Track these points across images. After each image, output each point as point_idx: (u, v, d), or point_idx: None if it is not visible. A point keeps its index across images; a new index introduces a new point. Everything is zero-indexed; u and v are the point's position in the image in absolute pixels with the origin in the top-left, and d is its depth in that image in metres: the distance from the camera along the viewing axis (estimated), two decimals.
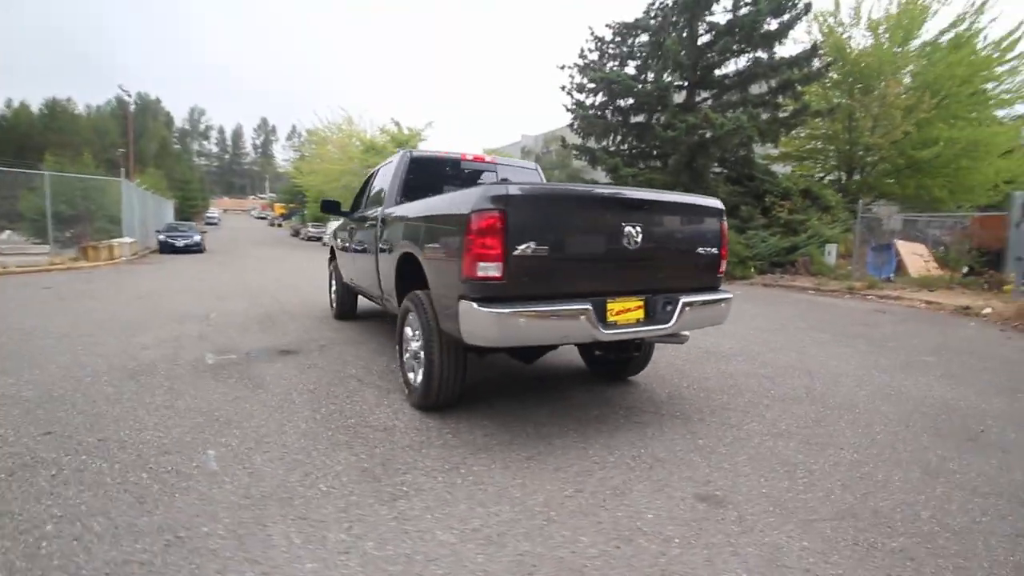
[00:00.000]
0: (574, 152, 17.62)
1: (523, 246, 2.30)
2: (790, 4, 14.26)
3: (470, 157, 4.32)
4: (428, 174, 4.06)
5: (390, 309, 3.94)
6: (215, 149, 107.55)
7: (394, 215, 3.56)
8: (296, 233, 42.19)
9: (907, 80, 14.91)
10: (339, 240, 5.62)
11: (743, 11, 14.79)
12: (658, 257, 2.72)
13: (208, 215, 48.15)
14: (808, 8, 14.15)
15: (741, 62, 15.86)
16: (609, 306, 2.52)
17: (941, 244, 12.59)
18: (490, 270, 2.27)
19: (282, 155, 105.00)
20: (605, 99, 17.29)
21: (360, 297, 5.85)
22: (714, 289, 3.03)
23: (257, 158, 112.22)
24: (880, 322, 6.91)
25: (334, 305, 6.15)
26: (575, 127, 17.20)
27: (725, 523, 1.98)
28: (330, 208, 5.51)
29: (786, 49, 15.14)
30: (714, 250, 2.93)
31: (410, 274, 3.35)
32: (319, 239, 34.33)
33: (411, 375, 3.18)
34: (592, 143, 17.32)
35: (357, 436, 2.68)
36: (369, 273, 4.24)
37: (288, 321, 5.88)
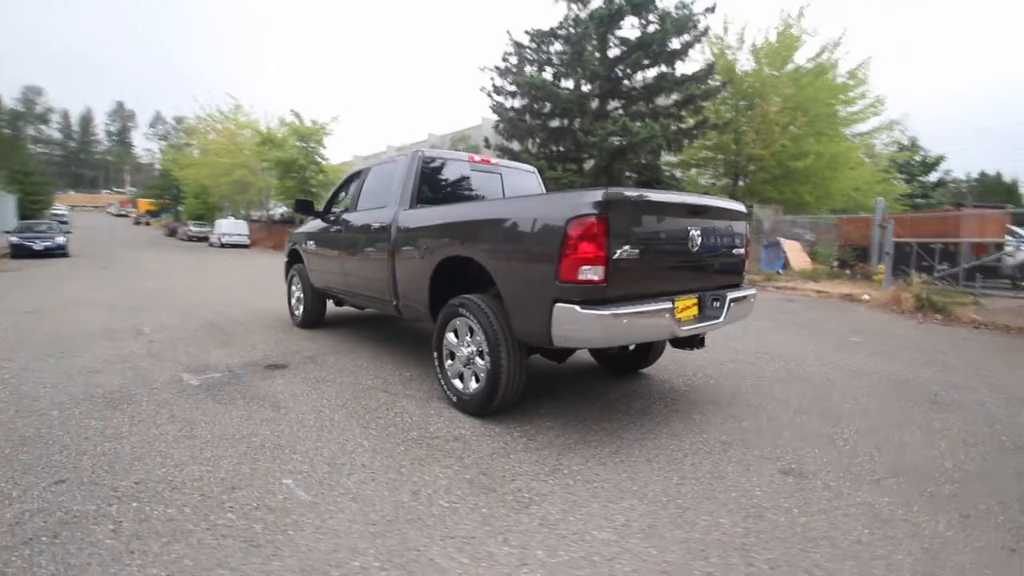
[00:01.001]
0: (496, 153, 17.82)
1: (620, 249, 2.38)
2: (690, 25, 15.79)
3: (478, 159, 4.26)
4: (440, 175, 3.94)
5: (408, 315, 3.76)
6: (57, 136, 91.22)
7: (423, 219, 3.42)
8: (172, 232, 37.51)
9: (783, 100, 17.20)
10: (310, 243, 5.19)
11: (650, 28, 16.06)
12: (707, 257, 2.95)
13: (54, 211, 40.83)
14: (707, 31, 15.76)
15: (648, 75, 17.25)
16: (676, 304, 2.69)
17: (813, 242, 14.81)
18: (592, 273, 2.32)
19: (144, 145, 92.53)
20: (526, 103, 17.72)
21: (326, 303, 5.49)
22: (739, 286, 3.34)
23: (112, 147, 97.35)
24: (795, 309, 7.98)
25: (296, 313, 5.66)
26: (500, 129, 17.43)
27: (818, 491, 2.24)
28: (305, 208, 5.10)
29: (687, 67, 16.61)
30: (742, 250, 3.24)
31: (448, 280, 3.27)
32: (203, 239, 30.92)
33: (457, 382, 3.10)
34: (515, 145, 17.65)
35: (433, 448, 2.56)
36: (374, 278, 4.00)
37: (244, 333, 5.30)
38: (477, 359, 2.93)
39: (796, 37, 17.43)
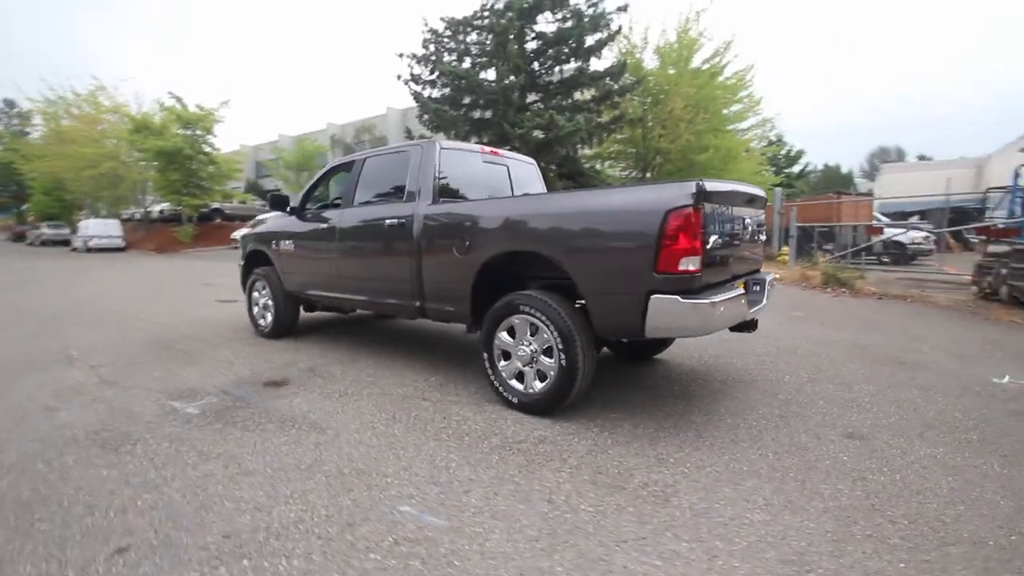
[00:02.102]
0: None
1: (712, 239, 2.44)
2: (604, 23, 16.48)
3: (487, 151, 4.09)
4: (457, 167, 3.73)
5: (434, 317, 3.53)
6: None
7: (467, 213, 3.21)
8: (20, 236, 31.58)
9: (685, 98, 18.65)
10: (284, 244, 4.65)
11: (568, 24, 16.50)
12: (750, 244, 3.13)
13: None
14: (620, 30, 16.55)
15: (565, 70, 17.73)
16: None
17: None
18: (691, 264, 2.36)
19: None
20: (448, 93, 17.36)
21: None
22: (759, 271, 3.60)
23: None
24: None
25: (262, 322, 5.06)
26: (423, 120, 16.88)
27: (886, 450, 2.50)
28: (279, 205, 4.56)
29: (600, 64, 17.33)
30: (764, 236, 3.49)
31: (494, 276, 3.13)
32: (63, 243, 26.41)
33: (515, 383, 2.99)
34: (441, 137, 17.23)
35: (527, 453, 2.46)
36: (387, 279, 3.70)
37: (206, 348, 4.63)
38: (542, 358, 2.85)
39: (695, 40, 18.95)
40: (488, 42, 17.36)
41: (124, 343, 4.84)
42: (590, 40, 16.56)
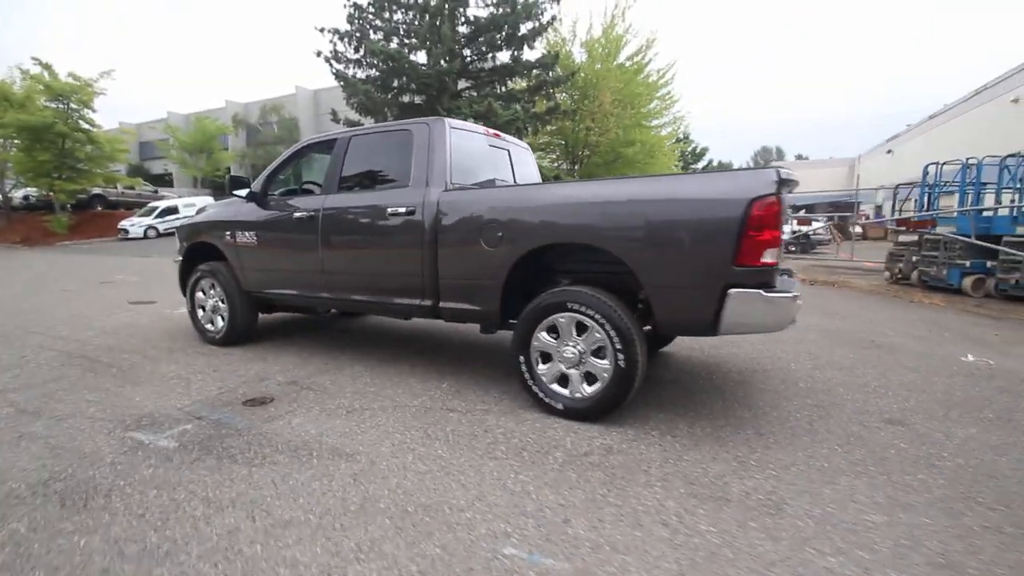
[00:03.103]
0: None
1: (785, 228, 2.34)
2: (538, 12, 16.35)
3: (491, 134, 3.73)
4: (465, 150, 3.34)
5: (449, 318, 3.14)
6: None
7: (501, 201, 2.85)
8: None
9: (613, 93, 19.14)
10: (245, 236, 3.95)
11: (502, 10, 16.17)
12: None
13: None
14: (553, 19, 16.52)
15: (499, 58, 17.41)
16: None
17: None
18: (771, 256, 2.24)
19: None
20: (376, 74, 16.35)
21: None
22: None
23: None
24: None
25: (210, 327, 4.32)
26: (350, 102, 15.74)
27: (929, 434, 2.59)
28: (239, 186, 3.87)
29: (532, 54, 17.21)
30: None
31: (528, 271, 2.85)
32: None
33: (557, 387, 2.74)
34: (369, 121, 16.20)
35: (607, 469, 2.22)
36: (389, 275, 3.26)
37: (144, 362, 3.85)
38: (592, 359, 2.62)
39: (620, 36, 19.48)
40: (417, 22, 16.57)
41: (27, 362, 3.89)
42: (524, 28, 16.37)
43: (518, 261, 2.77)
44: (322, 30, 16.09)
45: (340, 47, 16.24)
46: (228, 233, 4.05)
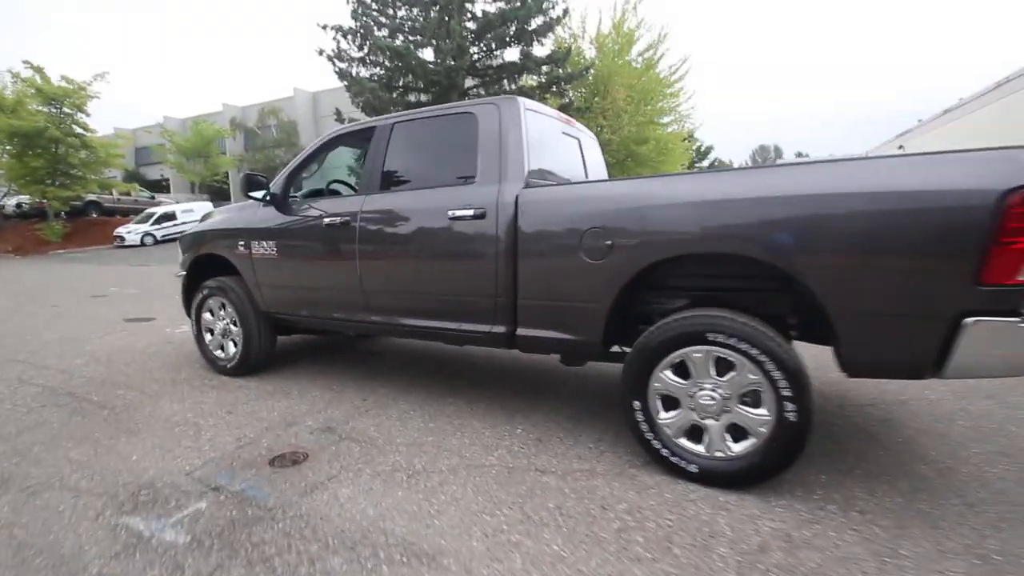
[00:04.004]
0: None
1: None
2: (549, 6, 15.71)
3: (564, 119, 3.08)
4: (538, 138, 2.68)
5: (527, 348, 2.48)
6: None
7: (619, 199, 2.17)
8: None
9: (627, 89, 18.51)
10: (262, 246, 3.28)
11: (511, 4, 15.53)
12: None
13: None
14: (566, 12, 15.88)
15: (507, 54, 16.79)
16: None
17: None
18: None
19: None
20: (380, 73, 15.70)
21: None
22: None
23: None
24: None
25: (221, 354, 3.64)
26: (356, 102, 15.08)
27: None
28: (256, 187, 3.22)
29: (542, 50, 16.56)
30: None
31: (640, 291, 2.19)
32: None
33: (686, 441, 2.09)
34: None
35: (804, 570, 1.56)
36: (451, 293, 2.59)
37: (141, 399, 3.19)
38: (742, 408, 1.97)
39: (632, 31, 18.85)
40: (421, 18, 15.93)
41: (2, 402, 3.22)
42: (534, 23, 15.74)
43: (635, 277, 2.11)
44: (325, 27, 15.44)
45: (344, 44, 15.60)
46: (242, 243, 3.38)
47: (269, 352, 3.62)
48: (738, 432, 2.00)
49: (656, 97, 19.24)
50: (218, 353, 3.67)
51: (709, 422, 2.04)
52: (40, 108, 17.87)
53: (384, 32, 15.97)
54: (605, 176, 3.66)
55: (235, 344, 3.57)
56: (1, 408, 3.11)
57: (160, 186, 36.91)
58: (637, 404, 2.14)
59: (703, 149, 44.23)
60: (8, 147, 17.99)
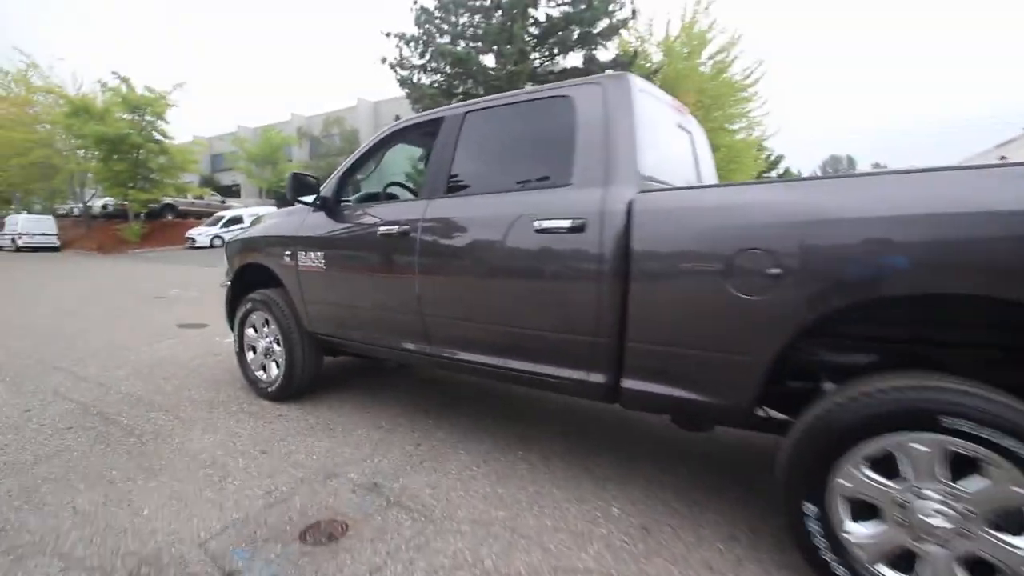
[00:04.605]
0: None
1: None
2: (616, 8, 15.06)
3: (676, 106, 2.47)
4: (649, 127, 2.07)
5: (633, 405, 1.86)
6: None
7: (781, 207, 1.51)
8: None
9: (697, 94, 17.52)
10: (309, 256, 2.85)
11: (578, 7, 15.01)
12: None
13: None
14: (634, 13, 15.17)
15: (569, 59, 16.26)
16: None
17: None
18: None
19: None
20: (442, 79, 15.58)
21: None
22: None
23: None
24: None
25: (263, 376, 3.25)
26: (416, 108, 15.02)
27: None
28: (303, 188, 2.80)
29: (607, 55, 15.90)
30: None
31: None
32: None
33: (889, 571, 1.39)
34: None
35: None
36: (542, 329, 2.00)
37: (173, 426, 2.81)
38: (995, 536, 1.26)
39: (703, 33, 17.87)
40: (481, 25, 15.70)
41: (29, 420, 2.94)
42: (601, 25, 15.13)
43: (816, 322, 1.45)
44: (388, 35, 15.53)
45: (406, 52, 15.62)
46: (287, 253, 2.96)
47: (313, 376, 3.19)
48: (984, 572, 1.30)
49: (727, 102, 18.10)
50: (259, 374, 3.28)
51: (931, 549, 1.34)
52: (124, 116, 19.05)
53: (446, 39, 15.87)
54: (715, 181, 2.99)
55: (277, 366, 3.16)
56: (27, 428, 2.82)
57: (232, 191, 39.00)
58: (811, 509, 1.47)
59: (773, 158, 41.86)
60: (96, 152, 19.30)
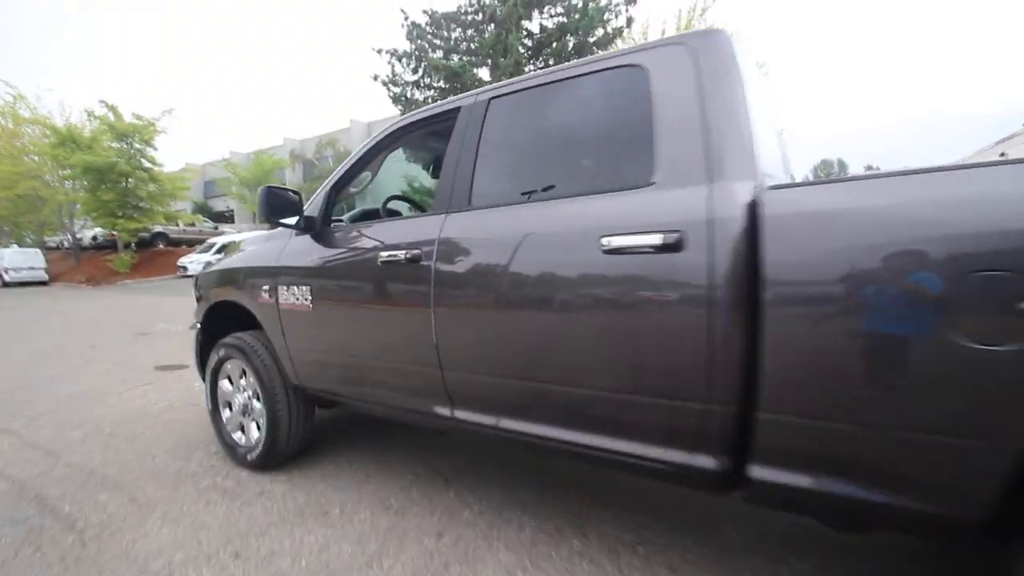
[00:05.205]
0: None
1: None
2: (614, 14, 14.77)
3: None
4: (763, 101, 1.51)
5: (765, 499, 1.28)
6: None
7: None
8: None
9: None
10: (297, 291, 2.26)
11: (571, 17, 14.72)
12: None
13: None
14: (630, 22, 14.88)
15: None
16: None
17: None
18: None
19: None
20: (435, 95, 15.21)
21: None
22: None
23: None
24: None
25: (240, 438, 2.65)
26: None
27: None
28: (283, 210, 2.22)
29: None
30: None
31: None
32: None
33: None
34: None
35: None
36: (615, 390, 1.41)
37: (125, 514, 2.20)
38: None
39: None
40: (475, 39, 15.39)
41: None
42: (597, 34, 14.82)
43: None
44: (380, 51, 15.20)
45: (398, 68, 15.29)
46: (265, 287, 2.38)
47: (303, 438, 2.58)
48: None
49: None
50: (237, 437, 2.67)
51: None
52: (112, 144, 18.60)
53: (439, 53, 15.55)
54: None
55: (258, 427, 2.55)
56: None
57: (225, 217, 38.54)
58: None
59: None
60: (84, 182, 18.81)
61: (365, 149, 2.23)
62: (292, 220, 2.26)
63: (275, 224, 2.22)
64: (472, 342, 1.70)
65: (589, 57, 1.66)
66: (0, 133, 20.79)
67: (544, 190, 1.64)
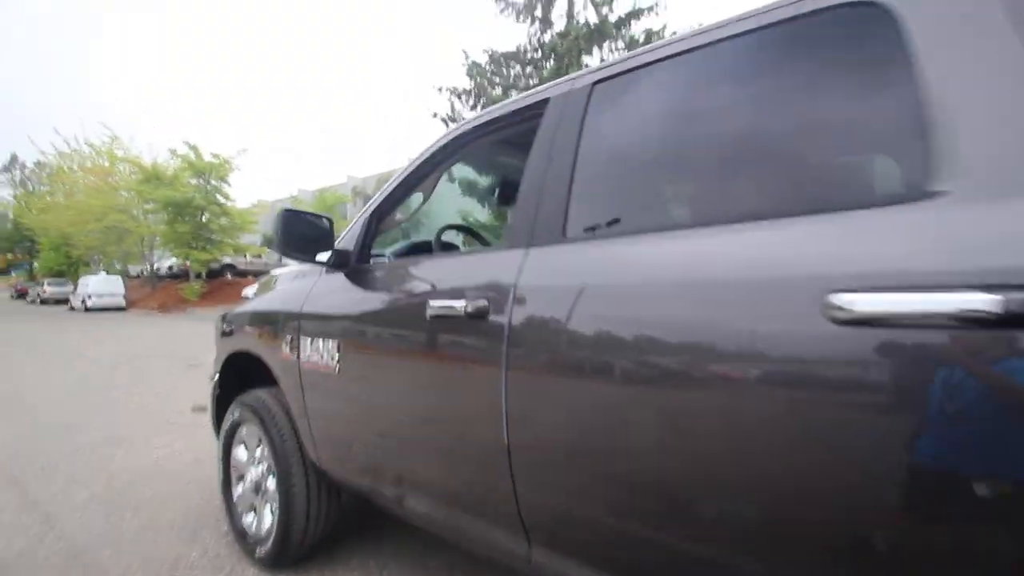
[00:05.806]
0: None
1: None
2: None
3: None
4: None
5: None
6: None
7: None
8: (22, 294, 30.14)
9: None
10: (322, 346, 1.74)
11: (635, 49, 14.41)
12: None
13: None
14: None
15: None
16: None
17: None
18: None
19: None
20: None
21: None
22: None
23: None
24: None
25: (251, 522, 2.11)
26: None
27: None
28: (302, 245, 1.71)
29: None
30: None
31: None
32: (63, 301, 24.30)
33: None
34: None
35: None
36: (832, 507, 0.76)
37: None
38: None
39: None
40: (533, 75, 15.37)
41: None
42: None
43: None
44: (441, 89, 15.44)
45: (458, 105, 15.42)
46: (287, 338, 1.87)
47: (323, 532, 2.00)
48: None
49: None
50: (248, 520, 2.13)
51: None
52: (191, 180, 19.88)
53: (498, 91, 15.61)
54: None
55: (272, 513, 2.00)
56: None
57: None
58: None
59: None
60: (164, 214, 20.12)
61: (416, 164, 1.72)
62: (325, 256, 1.75)
63: (289, 256, 1.71)
64: (568, 449, 1.08)
65: (761, 8, 1.07)
66: (98, 171, 22.79)
67: (703, 211, 1.02)
